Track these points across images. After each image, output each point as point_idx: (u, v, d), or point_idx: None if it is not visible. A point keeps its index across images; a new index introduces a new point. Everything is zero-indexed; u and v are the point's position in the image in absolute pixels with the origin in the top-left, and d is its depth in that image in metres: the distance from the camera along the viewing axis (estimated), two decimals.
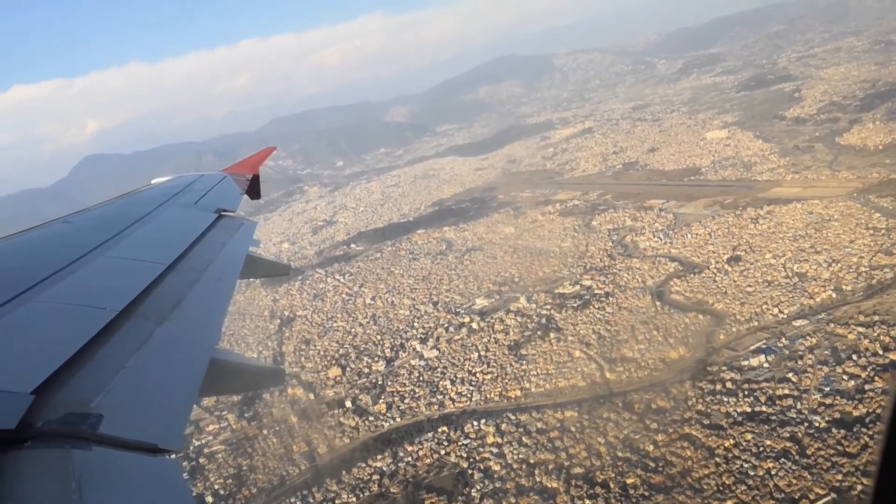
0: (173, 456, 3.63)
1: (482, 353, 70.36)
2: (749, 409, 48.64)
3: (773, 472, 42.07)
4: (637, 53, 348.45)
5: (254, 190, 13.89)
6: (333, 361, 77.94)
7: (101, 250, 7.07)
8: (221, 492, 58.41)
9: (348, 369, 75.27)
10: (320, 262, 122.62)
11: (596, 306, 73.08)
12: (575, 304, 74.74)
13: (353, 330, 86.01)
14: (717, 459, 44.52)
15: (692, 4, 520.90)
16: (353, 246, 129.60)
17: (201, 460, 63.89)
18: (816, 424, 45.01)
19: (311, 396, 71.33)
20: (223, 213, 10.13)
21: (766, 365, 53.64)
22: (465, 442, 55.54)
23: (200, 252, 7.99)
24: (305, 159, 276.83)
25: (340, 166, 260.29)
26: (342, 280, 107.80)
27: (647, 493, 43.64)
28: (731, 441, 45.81)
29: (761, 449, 44.28)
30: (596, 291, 76.66)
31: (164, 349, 5.13)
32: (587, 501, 44.71)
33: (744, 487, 41.62)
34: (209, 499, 57.78)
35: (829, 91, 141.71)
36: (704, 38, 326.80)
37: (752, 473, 42.55)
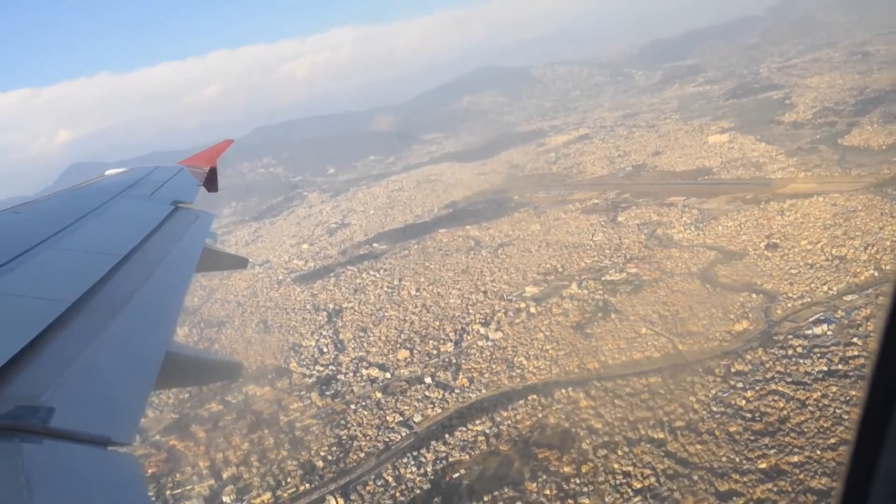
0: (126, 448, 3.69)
1: (547, 333, 75.87)
2: (826, 368, 55.01)
3: None
4: (613, 65, 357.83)
5: (211, 182, 13.98)
6: (399, 345, 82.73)
7: (51, 242, 7.00)
8: (329, 457, 62.86)
9: (416, 351, 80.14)
10: (348, 260, 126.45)
11: (648, 290, 79.24)
12: (627, 290, 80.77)
13: (407, 318, 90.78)
14: (810, 408, 50.77)
15: (659, 19, 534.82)
16: (375, 245, 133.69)
17: (297, 433, 68.32)
18: None
19: (388, 375, 76.09)
20: (180, 206, 10.23)
21: (829, 332, 60.13)
22: (559, 406, 61.04)
23: (156, 244, 7.99)
24: (296, 167, 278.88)
25: (332, 173, 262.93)
26: (378, 275, 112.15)
27: (753, 438, 49.74)
28: (819, 393, 52.11)
29: (849, 398, 50.60)
30: (644, 278, 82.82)
31: (117, 342, 5.16)
32: (698, 446, 50.67)
33: (842, 428, 47.86)
34: (319, 463, 62.31)
35: (819, 98, 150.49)
36: (678, 51, 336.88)
37: (846, 417, 48.77)
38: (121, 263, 6.71)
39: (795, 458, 46.48)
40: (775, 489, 44.81)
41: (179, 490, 63.10)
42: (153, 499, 62.53)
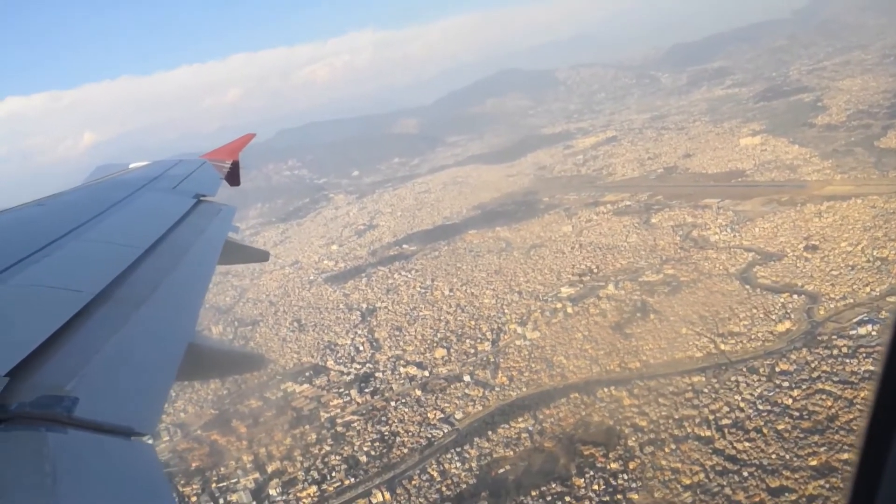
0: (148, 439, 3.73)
1: (585, 333, 76.07)
2: (872, 368, 54.76)
3: None
4: (638, 67, 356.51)
5: (233, 176, 14.09)
6: (435, 344, 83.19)
7: (76, 234, 7.13)
8: (372, 452, 63.54)
9: (453, 350, 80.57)
10: (379, 261, 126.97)
11: (687, 291, 79.20)
12: (665, 290, 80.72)
13: (442, 318, 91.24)
14: (859, 406, 50.65)
15: (683, 22, 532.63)
16: (405, 246, 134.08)
17: (338, 429, 69.02)
18: None
19: (426, 373, 76.64)
20: (202, 199, 10.32)
21: (874, 333, 59.76)
22: (602, 405, 61.30)
23: (179, 237, 8.09)
24: (320, 169, 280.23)
25: (357, 175, 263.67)
26: (410, 275, 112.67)
27: (802, 435, 49.80)
28: (867, 392, 51.97)
29: None
30: (682, 279, 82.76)
31: (141, 333, 5.23)
32: (746, 444, 50.81)
33: None
34: (363, 458, 62.98)
35: (852, 100, 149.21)
36: (704, 53, 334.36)
37: None
38: (144, 255, 6.81)
39: (846, 456, 46.45)
40: (827, 486, 44.89)
41: (224, 483, 63.91)
42: (199, 492, 63.56)
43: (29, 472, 3.04)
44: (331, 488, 59.78)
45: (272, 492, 60.91)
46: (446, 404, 68.77)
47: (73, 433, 3.43)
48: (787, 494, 45.48)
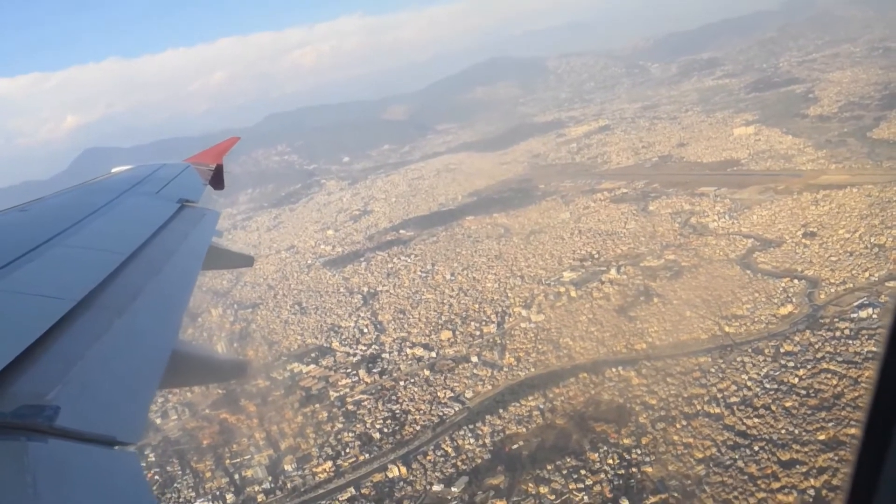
0: (132, 448, 3.70)
1: (590, 316, 77.58)
2: (875, 349, 56.68)
3: None
4: (628, 57, 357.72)
5: (217, 180, 13.95)
6: (440, 326, 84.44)
7: (59, 240, 7.02)
8: (385, 430, 64.86)
9: (458, 332, 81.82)
10: (377, 246, 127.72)
11: (688, 276, 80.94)
12: (667, 275, 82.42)
13: (445, 301, 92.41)
14: (864, 384, 52.53)
15: (673, 12, 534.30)
16: (402, 232, 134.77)
17: (349, 407, 70.21)
18: None
19: (433, 354, 77.90)
20: (186, 204, 10.27)
21: (874, 316, 61.73)
22: (611, 384, 62.81)
23: (162, 242, 8.02)
24: (310, 154, 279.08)
25: (347, 161, 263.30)
26: (409, 260, 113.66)
27: (809, 412, 51.57)
28: (871, 371, 53.66)
29: None
30: (683, 264, 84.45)
31: (123, 340, 5.18)
32: (755, 420, 52.56)
33: None
34: (376, 435, 64.29)
35: (843, 92, 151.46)
36: (693, 44, 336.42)
37: None
38: (127, 262, 6.71)
39: (854, 431, 48.23)
40: (836, 458, 46.68)
41: (238, 460, 64.93)
42: (213, 468, 64.55)
43: (10, 483, 3.03)
44: (346, 464, 60.99)
45: (287, 467, 62.02)
46: (455, 384, 70.06)
47: (55, 443, 3.39)
48: (797, 467, 47.22)
